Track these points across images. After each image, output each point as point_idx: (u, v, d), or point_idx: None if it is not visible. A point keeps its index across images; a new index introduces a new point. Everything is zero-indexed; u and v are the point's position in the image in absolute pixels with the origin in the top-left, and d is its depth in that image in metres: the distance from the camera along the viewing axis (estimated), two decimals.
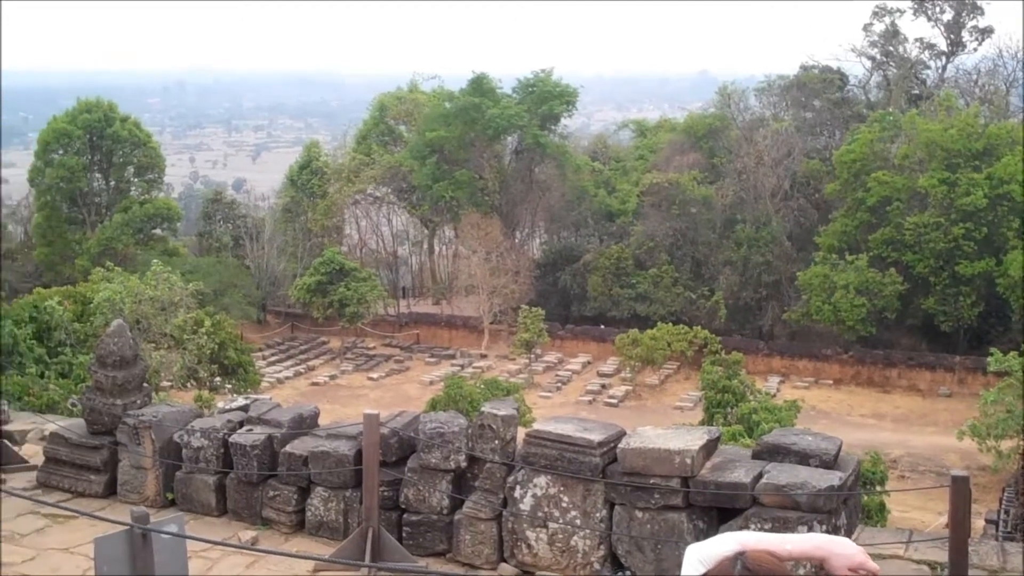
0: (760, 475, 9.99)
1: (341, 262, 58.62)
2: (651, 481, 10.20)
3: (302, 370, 55.73)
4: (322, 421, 13.23)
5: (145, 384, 13.51)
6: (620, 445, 10.47)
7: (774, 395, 44.17)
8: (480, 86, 65.02)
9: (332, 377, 54.29)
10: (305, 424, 12.82)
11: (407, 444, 11.85)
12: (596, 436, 10.72)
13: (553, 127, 66.71)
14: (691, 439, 10.51)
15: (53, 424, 14.29)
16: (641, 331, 51.42)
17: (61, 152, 67.87)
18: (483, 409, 11.66)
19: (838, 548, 4.52)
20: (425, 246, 72.06)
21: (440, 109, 65.68)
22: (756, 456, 10.55)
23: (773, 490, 9.69)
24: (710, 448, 10.56)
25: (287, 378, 53.55)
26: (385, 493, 11.38)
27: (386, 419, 12.07)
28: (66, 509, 11.64)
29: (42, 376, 32.94)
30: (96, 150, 68.75)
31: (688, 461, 10.08)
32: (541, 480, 10.80)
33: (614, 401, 49.04)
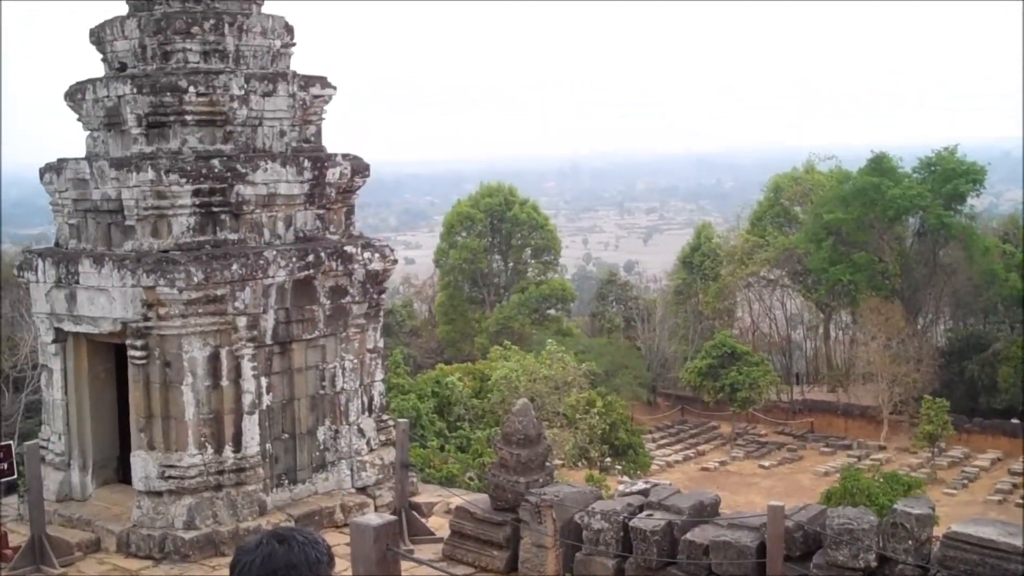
0: None
1: (733, 345, 57.93)
2: None
3: (691, 454, 55.25)
4: None
5: (547, 463, 13.57)
6: None
7: None
8: (880, 165, 62.95)
9: (722, 463, 53.48)
10: (705, 512, 12.46)
11: (812, 539, 11.37)
12: (1022, 542, 9.83)
13: (959, 207, 63.43)
14: None
15: (458, 498, 14.61)
16: None
17: (464, 234, 71.44)
18: (896, 507, 10.99)
19: None
20: (820, 331, 70.11)
21: (837, 190, 64.08)
22: None
23: None
24: None
25: (676, 462, 53.21)
26: None
27: (791, 512, 11.60)
28: None
29: (442, 449, 34.33)
30: (496, 232, 71.86)
31: None
32: None
33: None
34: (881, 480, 36.90)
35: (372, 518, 7.20)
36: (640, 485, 13.47)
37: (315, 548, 3.50)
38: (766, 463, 53.53)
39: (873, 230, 62.02)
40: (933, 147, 66.08)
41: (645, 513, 12.44)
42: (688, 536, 11.93)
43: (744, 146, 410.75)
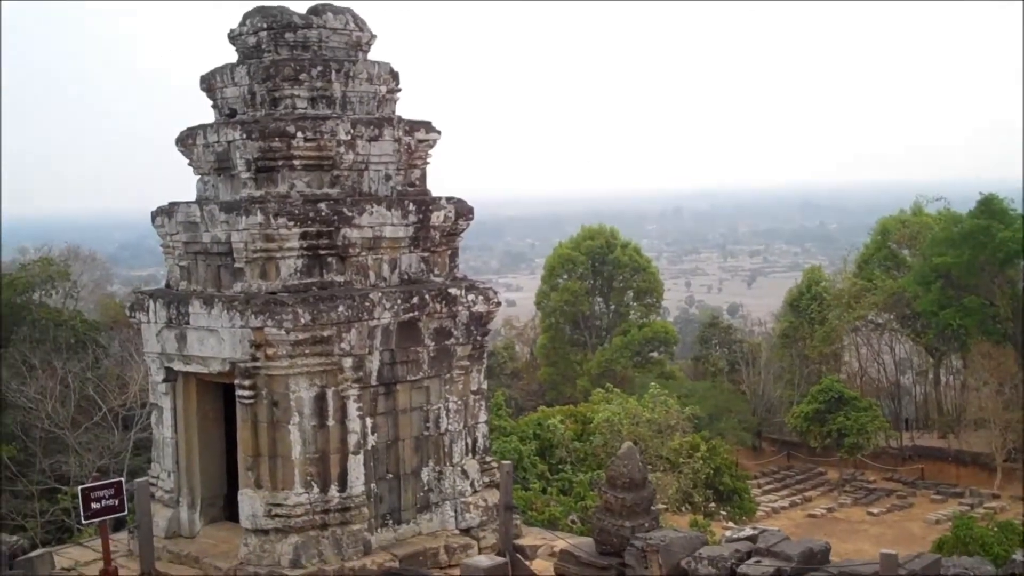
0: None
1: (840, 390, 56.89)
2: None
3: (798, 500, 54.27)
4: None
5: (652, 507, 13.40)
6: None
7: None
8: (989, 207, 61.55)
9: (829, 509, 52.43)
10: (815, 559, 12.17)
11: None
12: None
13: None
14: None
15: (562, 541, 14.50)
16: None
17: (565, 277, 71.39)
18: (1014, 557, 10.62)
19: None
20: (930, 376, 68.54)
21: (946, 232, 62.77)
22: None
23: None
24: None
25: (782, 508, 52.32)
26: None
27: (904, 560, 11.30)
28: None
29: (544, 491, 34.22)
30: (598, 275, 71.69)
31: None
32: None
33: None
34: (996, 529, 35.83)
35: (482, 560, 7.16)
36: (748, 531, 13.22)
37: None
38: (875, 510, 52.38)
39: (984, 273, 60.54)
40: None
41: (753, 560, 12.19)
42: None
43: (849, 185, 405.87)
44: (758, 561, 12.11)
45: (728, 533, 13.39)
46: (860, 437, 55.19)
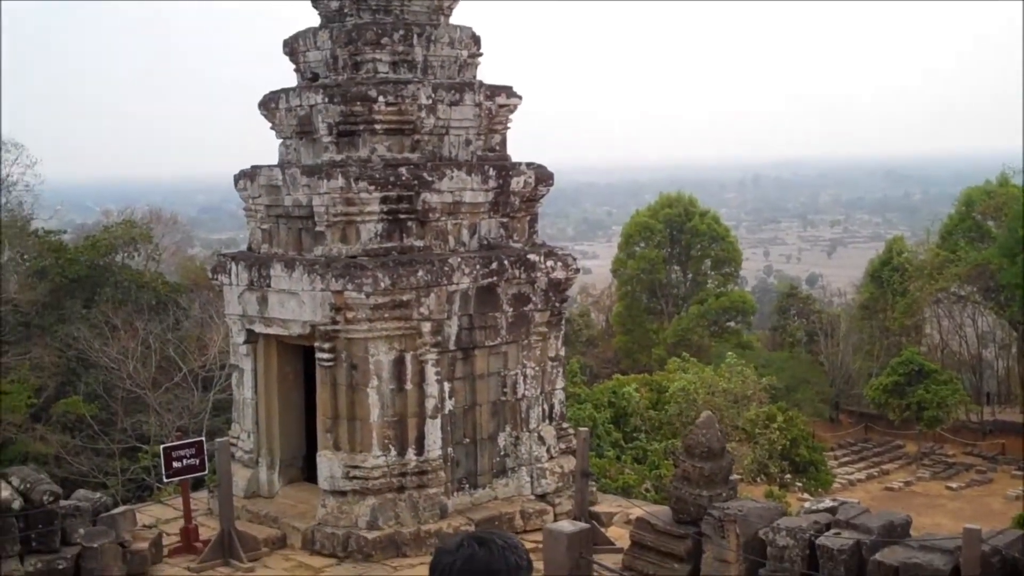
0: None
1: (920, 363, 56.07)
2: None
3: (875, 473, 53.71)
4: None
5: (730, 477, 13.32)
6: None
7: None
8: None
9: (907, 483, 51.83)
10: (896, 532, 12.02)
11: (1010, 564, 10.82)
12: None
13: None
14: None
15: (638, 509, 14.47)
16: None
17: (643, 245, 70.96)
18: None
19: None
20: (1013, 350, 67.27)
21: None
22: None
23: None
24: None
25: (859, 481, 51.81)
26: None
27: (987, 535, 11.09)
28: None
29: (618, 459, 34.21)
30: (675, 243, 71.17)
31: None
32: None
33: None
34: None
35: (565, 525, 7.19)
36: (827, 503, 13.09)
37: (515, 553, 3.48)
38: (954, 485, 51.69)
39: None
40: None
41: (832, 531, 12.06)
42: (877, 557, 11.51)
43: (937, 155, 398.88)
44: (837, 533, 11.98)
45: (807, 505, 13.26)
46: (940, 411, 54.44)
